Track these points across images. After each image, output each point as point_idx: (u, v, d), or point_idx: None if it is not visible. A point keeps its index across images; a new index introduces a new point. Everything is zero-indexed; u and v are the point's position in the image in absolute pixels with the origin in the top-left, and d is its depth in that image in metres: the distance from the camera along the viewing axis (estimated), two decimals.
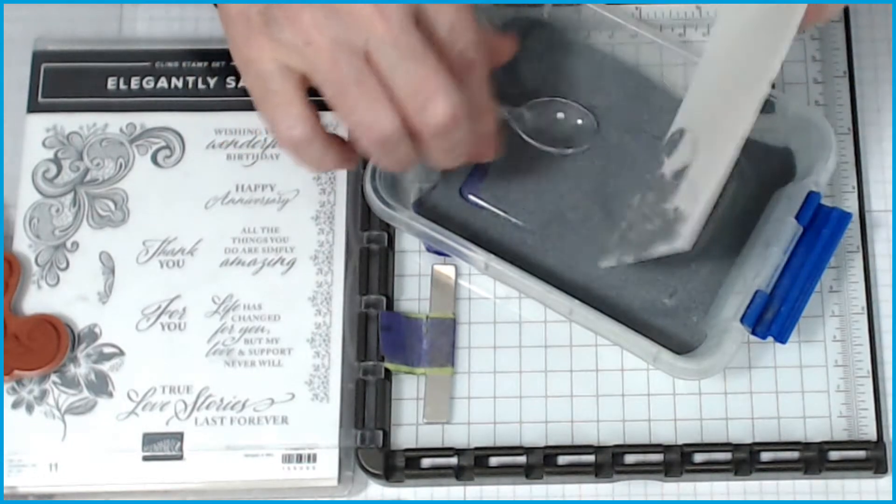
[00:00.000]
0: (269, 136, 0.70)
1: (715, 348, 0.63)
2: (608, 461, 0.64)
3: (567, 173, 0.68)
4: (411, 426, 0.66)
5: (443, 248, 0.66)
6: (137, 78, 0.71)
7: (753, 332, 0.63)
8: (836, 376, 0.67)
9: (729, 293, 0.66)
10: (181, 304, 0.67)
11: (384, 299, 0.67)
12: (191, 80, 0.71)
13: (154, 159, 0.69)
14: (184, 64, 0.71)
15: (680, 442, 0.65)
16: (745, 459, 0.64)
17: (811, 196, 0.65)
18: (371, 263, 0.68)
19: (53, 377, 0.65)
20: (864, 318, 0.67)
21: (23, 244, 0.68)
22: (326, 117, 0.59)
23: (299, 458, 0.64)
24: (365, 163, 0.67)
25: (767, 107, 0.68)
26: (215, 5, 0.59)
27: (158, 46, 0.72)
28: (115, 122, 0.70)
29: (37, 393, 0.65)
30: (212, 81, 0.71)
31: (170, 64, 0.71)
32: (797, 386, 0.67)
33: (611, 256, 0.66)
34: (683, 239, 0.61)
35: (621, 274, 0.67)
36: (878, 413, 0.65)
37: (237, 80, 0.71)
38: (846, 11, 0.72)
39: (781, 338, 0.63)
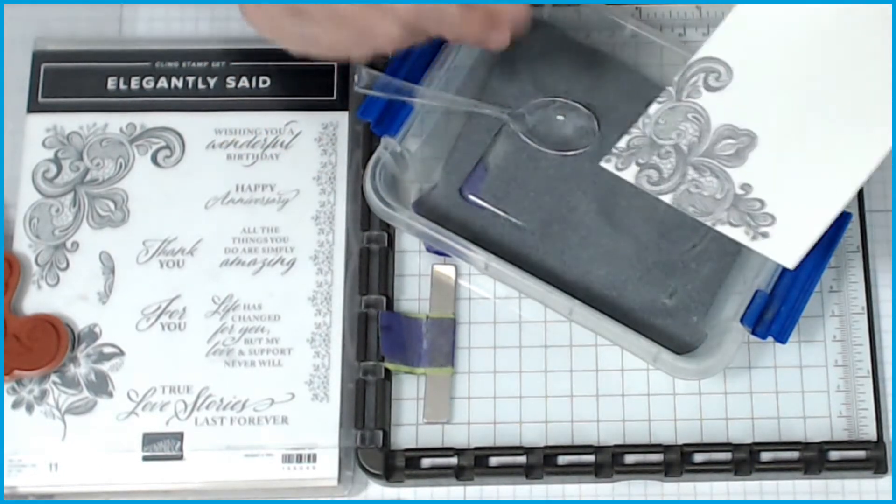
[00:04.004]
0: (269, 136, 0.70)
1: (715, 348, 0.63)
2: (608, 461, 0.64)
3: (567, 174, 0.68)
4: (411, 426, 0.66)
5: (443, 248, 0.66)
6: (137, 78, 0.71)
7: (753, 332, 0.63)
8: (836, 376, 0.67)
9: (729, 293, 0.66)
10: (181, 304, 0.67)
11: (384, 299, 0.67)
12: (191, 80, 0.71)
13: (154, 159, 0.69)
14: (184, 64, 0.71)
15: (680, 442, 0.65)
16: (745, 459, 0.64)
17: None
18: (371, 263, 0.68)
19: (53, 377, 0.65)
20: (864, 318, 0.67)
21: (23, 244, 0.68)
22: None
23: (299, 458, 0.64)
24: (365, 162, 0.67)
25: None
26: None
27: (158, 46, 0.72)
28: (115, 122, 0.70)
29: (37, 393, 0.65)
30: (212, 81, 0.71)
31: (170, 64, 0.71)
32: (797, 386, 0.67)
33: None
34: (789, 259, 0.60)
35: (621, 274, 0.67)
36: (878, 413, 0.65)
37: (237, 80, 0.71)
38: None
39: (781, 338, 0.63)
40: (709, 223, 0.61)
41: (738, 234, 0.60)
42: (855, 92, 0.62)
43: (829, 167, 0.61)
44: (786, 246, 0.60)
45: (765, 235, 0.60)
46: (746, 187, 0.61)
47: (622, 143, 0.63)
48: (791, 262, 0.60)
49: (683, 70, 0.63)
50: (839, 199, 0.60)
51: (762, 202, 0.60)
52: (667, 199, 0.61)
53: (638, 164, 0.62)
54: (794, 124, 0.62)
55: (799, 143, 0.61)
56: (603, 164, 0.62)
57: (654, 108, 0.63)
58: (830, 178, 0.60)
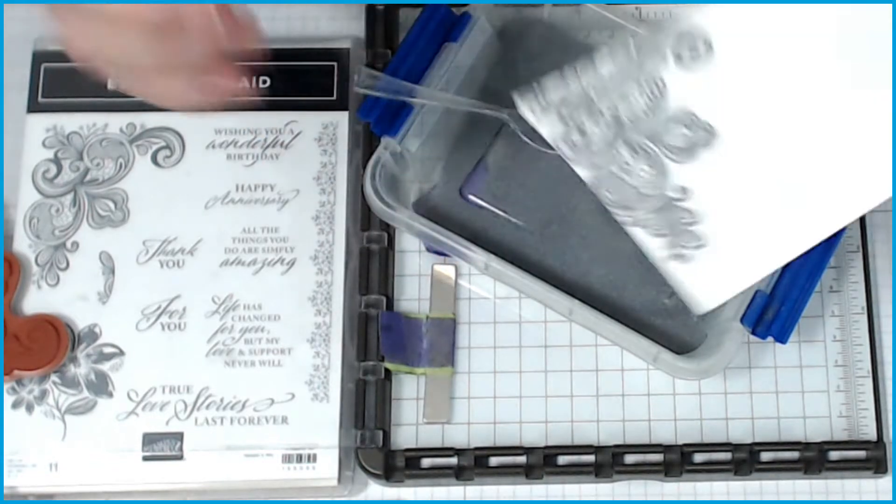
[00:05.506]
0: (269, 136, 0.70)
1: (715, 348, 0.63)
2: (608, 461, 0.64)
3: (567, 174, 0.68)
4: (411, 426, 0.66)
5: (443, 248, 0.66)
6: None
7: (753, 332, 0.63)
8: (836, 376, 0.67)
9: None
10: (181, 304, 0.67)
11: (384, 299, 0.67)
12: None
13: (154, 159, 0.69)
14: None
15: (680, 442, 0.65)
16: (745, 459, 0.64)
17: None
18: (371, 263, 0.68)
19: (53, 377, 0.65)
20: (864, 318, 0.67)
21: (23, 244, 0.68)
22: None
23: (299, 458, 0.64)
24: (365, 162, 0.67)
25: None
26: None
27: None
28: (115, 122, 0.70)
29: (37, 393, 0.65)
30: None
31: None
32: (797, 386, 0.67)
33: None
34: (698, 302, 0.53)
35: (621, 274, 0.67)
36: (878, 413, 0.65)
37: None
38: None
39: (781, 338, 0.63)
40: (623, 219, 0.49)
41: (651, 246, 0.49)
42: (853, 126, 0.48)
43: (794, 205, 0.48)
44: (701, 283, 0.49)
45: (682, 259, 0.49)
46: (684, 192, 0.49)
47: (552, 92, 0.50)
48: (699, 307, 0.49)
49: (656, 30, 0.51)
50: (791, 249, 0.49)
51: (695, 217, 0.49)
52: (584, 174, 0.50)
53: (562, 118, 0.51)
54: (768, 139, 0.48)
55: (767, 162, 0.48)
56: (518, 99, 0.51)
57: (603, 60, 0.50)
58: (791, 219, 0.49)
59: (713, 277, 0.49)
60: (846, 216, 0.48)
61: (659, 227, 0.49)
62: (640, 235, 0.49)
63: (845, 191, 0.47)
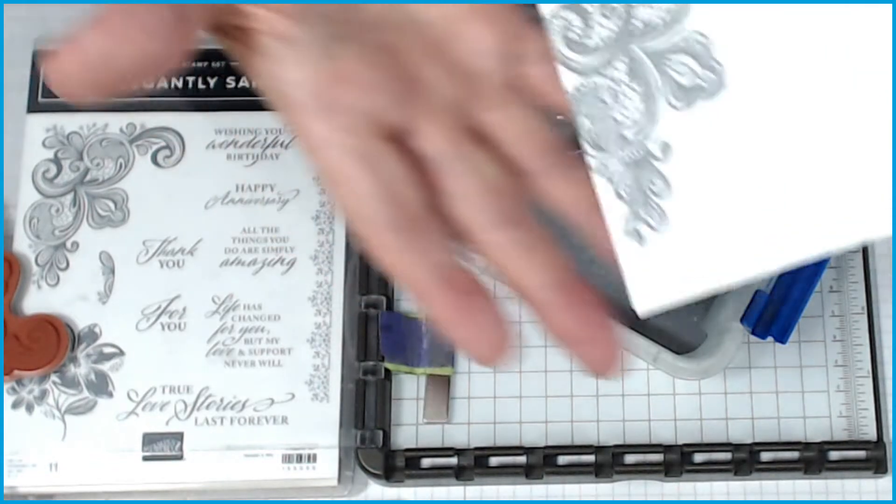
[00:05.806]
0: (269, 136, 0.70)
1: (715, 348, 0.63)
2: (608, 461, 0.64)
3: None
4: (411, 426, 0.66)
5: None
6: None
7: (753, 332, 0.63)
8: (836, 376, 0.67)
9: (729, 293, 0.66)
10: (181, 304, 0.67)
11: (384, 299, 0.67)
12: (191, 80, 0.71)
13: (154, 159, 0.69)
14: (183, 64, 0.71)
15: (680, 442, 0.65)
16: (745, 459, 0.64)
17: None
18: (371, 263, 0.68)
19: (53, 377, 0.65)
20: (864, 318, 0.67)
21: (23, 244, 0.68)
22: None
23: (299, 458, 0.64)
24: None
25: None
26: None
27: None
28: (115, 122, 0.70)
29: (37, 393, 0.65)
30: (212, 81, 0.71)
31: None
32: (797, 386, 0.67)
33: None
34: (640, 298, 0.46)
35: (621, 274, 0.66)
36: (878, 413, 0.65)
37: (237, 79, 0.71)
38: None
39: (781, 338, 0.63)
40: (593, 163, 0.40)
41: (612, 212, 0.41)
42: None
43: (790, 208, 0.39)
44: (647, 276, 0.42)
45: (638, 238, 0.41)
46: (666, 150, 0.40)
47: None
48: (636, 305, 0.43)
49: None
50: (767, 263, 0.39)
51: (667, 187, 0.40)
52: (569, 81, 0.42)
53: None
54: (783, 115, 0.38)
55: (772, 144, 0.38)
56: None
57: None
58: (779, 224, 0.39)
59: (662, 273, 0.41)
60: (854, 236, 0.39)
61: (626, 186, 0.40)
62: (604, 191, 0.41)
63: (863, 206, 0.38)
